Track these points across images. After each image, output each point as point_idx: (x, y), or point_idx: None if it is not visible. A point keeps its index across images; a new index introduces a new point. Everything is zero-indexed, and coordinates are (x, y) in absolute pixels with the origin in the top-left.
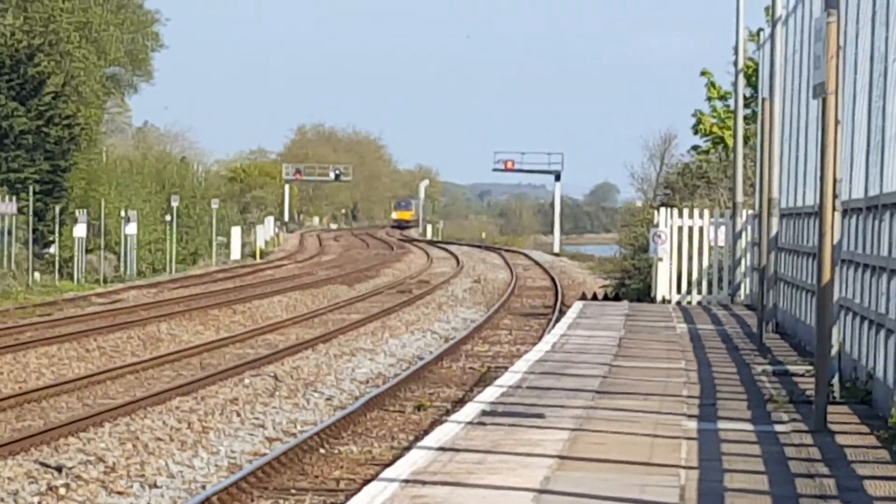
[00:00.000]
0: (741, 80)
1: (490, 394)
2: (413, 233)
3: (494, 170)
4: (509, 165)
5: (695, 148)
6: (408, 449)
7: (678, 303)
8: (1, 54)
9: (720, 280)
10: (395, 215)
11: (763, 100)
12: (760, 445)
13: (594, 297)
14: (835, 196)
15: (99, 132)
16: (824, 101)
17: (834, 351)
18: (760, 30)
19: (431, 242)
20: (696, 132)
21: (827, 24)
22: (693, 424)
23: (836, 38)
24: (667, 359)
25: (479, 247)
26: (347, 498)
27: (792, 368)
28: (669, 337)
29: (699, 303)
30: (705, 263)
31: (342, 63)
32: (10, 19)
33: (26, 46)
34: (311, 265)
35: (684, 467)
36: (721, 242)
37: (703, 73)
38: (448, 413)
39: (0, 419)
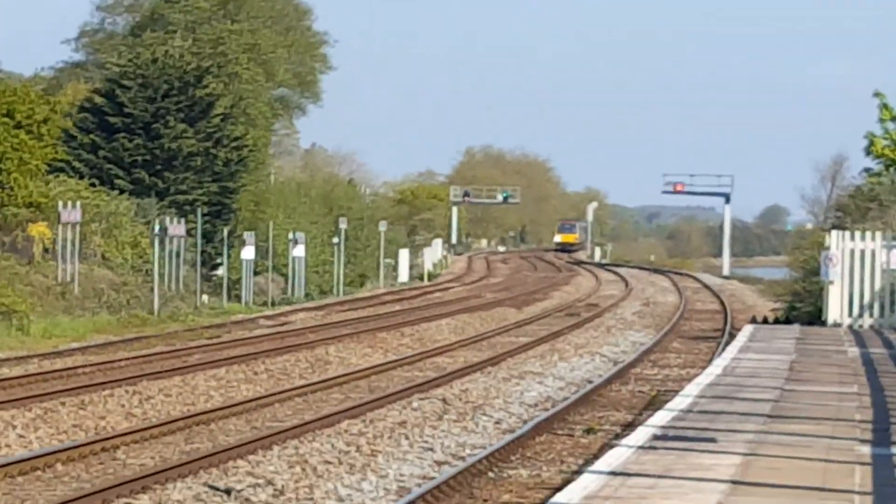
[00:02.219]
0: None
1: (660, 418)
2: (581, 255)
3: (663, 192)
4: (678, 188)
5: (867, 170)
6: (577, 473)
7: (850, 326)
8: (170, 76)
9: (892, 303)
10: (558, 238)
11: None
12: None
13: (764, 321)
14: None
15: (267, 154)
16: None
17: None
18: None
19: (600, 265)
20: (867, 154)
21: None
22: (867, 449)
23: None
24: (839, 383)
25: (648, 269)
26: None
27: None
28: (841, 361)
29: (871, 326)
30: (877, 286)
31: (511, 85)
32: (179, 41)
33: (195, 68)
34: (479, 288)
35: (858, 493)
36: (893, 265)
37: (876, 95)
38: (618, 437)
39: (169, 441)
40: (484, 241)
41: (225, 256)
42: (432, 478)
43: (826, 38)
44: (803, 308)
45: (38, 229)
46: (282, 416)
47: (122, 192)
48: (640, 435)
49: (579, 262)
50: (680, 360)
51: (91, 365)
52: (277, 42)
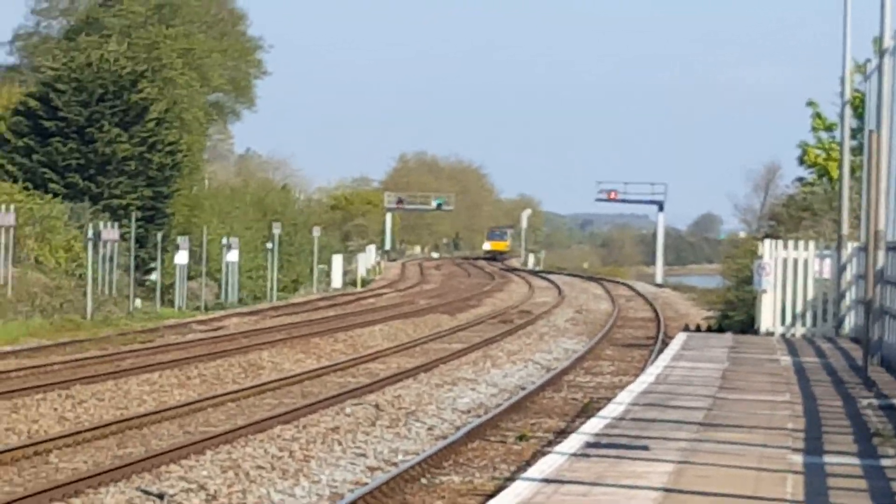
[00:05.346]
0: (847, 112)
1: (593, 425)
2: (514, 262)
3: (597, 200)
4: (612, 195)
5: (800, 179)
6: (510, 480)
7: (782, 335)
8: (105, 81)
9: (825, 312)
10: (487, 245)
11: (870, 132)
12: (867, 480)
13: (697, 329)
14: None
15: (201, 159)
16: None
17: None
18: (868, 60)
19: (533, 272)
20: (800, 163)
21: None
22: (799, 458)
23: None
24: (771, 391)
25: (581, 277)
26: None
27: None
28: (773, 369)
29: (803, 335)
30: (810, 296)
31: (446, 91)
32: (115, 46)
33: (130, 73)
34: (412, 294)
35: (790, 502)
36: (826, 275)
37: (809, 104)
38: (550, 444)
39: (102, 445)
40: (418, 248)
41: (158, 261)
42: (365, 483)
43: (758, 45)
44: (736, 316)
45: None
46: (215, 420)
47: (55, 196)
48: (574, 442)
49: (512, 269)
50: (613, 368)
51: (24, 368)
52: (212, 47)
